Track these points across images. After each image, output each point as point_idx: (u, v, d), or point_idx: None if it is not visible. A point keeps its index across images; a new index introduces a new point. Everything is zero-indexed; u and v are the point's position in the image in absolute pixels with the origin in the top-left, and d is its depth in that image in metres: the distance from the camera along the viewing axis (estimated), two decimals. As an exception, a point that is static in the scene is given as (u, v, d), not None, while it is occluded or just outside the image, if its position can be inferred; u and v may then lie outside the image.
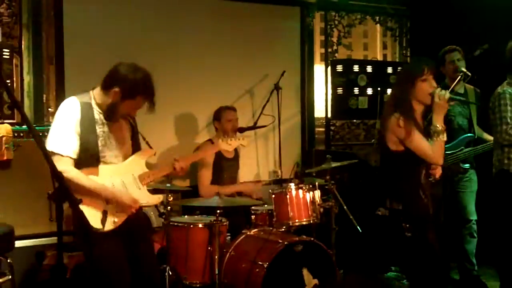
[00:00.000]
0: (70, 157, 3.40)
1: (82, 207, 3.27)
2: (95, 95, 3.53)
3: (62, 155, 3.37)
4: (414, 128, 3.70)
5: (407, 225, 3.85)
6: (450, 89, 4.78)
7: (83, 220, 3.18)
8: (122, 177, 3.59)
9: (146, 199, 3.70)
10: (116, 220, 3.49)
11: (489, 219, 5.59)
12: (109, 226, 3.47)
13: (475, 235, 5.31)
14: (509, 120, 4.30)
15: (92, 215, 3.42)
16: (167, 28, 5.79)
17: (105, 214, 3.45)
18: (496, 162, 4.47)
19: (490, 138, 5.15)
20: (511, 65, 4.47)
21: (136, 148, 3.75)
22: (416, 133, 3.70)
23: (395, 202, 3.90)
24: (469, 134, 5.18)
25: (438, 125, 3.69)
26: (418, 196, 3.82)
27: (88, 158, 3.45)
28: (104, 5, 5.52)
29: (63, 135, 3.40)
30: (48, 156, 2.53)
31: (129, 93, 3.44)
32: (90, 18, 5.44)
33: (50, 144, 3.38)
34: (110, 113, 3.51)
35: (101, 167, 3.51)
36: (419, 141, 3.71)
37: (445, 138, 3.72)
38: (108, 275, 3.48)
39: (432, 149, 3.70)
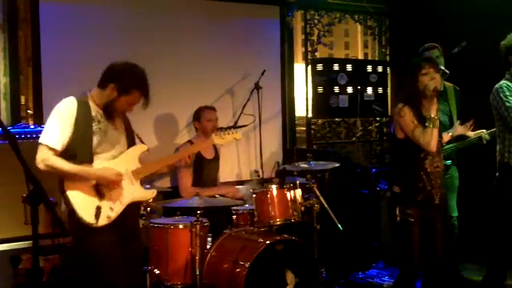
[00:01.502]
0: (53, 148, 3.48)
1: (75, 201, 3.45)
2: (92, 95, 3.66)
3: (46, 145, 3.48)
4: (410, 117, 4.10)
5: (402, 209, 4.19)
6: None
7: (75, 214, 3.36)
8: None
9: (140, 194, 3.81)
10: (110, 215, 3.55)
11: (470, 215, 5.65)
12: (102, 221, 3.52)
13: (456, 232, 5.34)
14: None
15: (86, 210, 3.49)
16: (145, 28, 5.73)
17: (99, 209, 3.51)
18: (498, 156, 4.60)
19: (471, 133, 5.20)
20: (507, 63, 4.57)
21: (130, 146, 3.84)
22: (410, 121, 4.11)
23: (395, 186, 4.29)
24: (450, 131, 5.21)
25: (430, 114, 4.07)
26: (420, 181, 4.13)
27: (82, 153, 3.54)
28: (81, 6, 5.45)
29: (51, 128, 3.53)
30: (22, 158, 2.51)
31: (124, 88, 3.59)
32: (67, 18, 5.36)
33: (40, 136, 3.54)
34: (108, 111, 3.66)
35: (96, 163, 3.59)
36: (412, 129, 4.10)
37: (436, 127, 4.08)
38: (102, 269, 3.55)
39: (423, 136, 4.07)
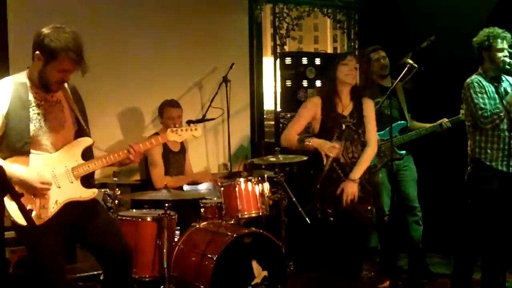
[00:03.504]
0: None
1: (6, 201, 3.06)
2: (29, 72, 3.34)
3: None
4: (308, 109, 4.21)
5: (320, 207, 4.02)
6: (397, 81, 4.88)
7: (23, 214, 2.83)
8: (54, 169, 3.34)
9: (78, 193, 3.41)
10: (42, 215, 3.26)
11: (434, 206, 5.73)
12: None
13: (421, 222, 5.41)
14: (482, 105, 4.45)
15: (16, 210, 3.10)
16: (113, 20, 5.69)
17: (30, 207, 3.21)
18: (469, 151, 4.64)
19: (422, 125, 5.34)
20: (480, 58, 4.61)
21: (81, 132, 3.47)
22: (300, 113, 4.27)
23: (315, 182, 4.13)
24: (401, 122, 5.31)
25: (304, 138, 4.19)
26: (334, 172, 4.06)
27: (17, 142, 3.24)
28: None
29: None
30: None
31: (49, 54, 3.21)
32: (35, 8, 5.27)
33: None
34: (43, 84, 3.29)
35: (32, 156, 3.27)
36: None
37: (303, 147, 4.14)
38: (42, 271, 3.33)
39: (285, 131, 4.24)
